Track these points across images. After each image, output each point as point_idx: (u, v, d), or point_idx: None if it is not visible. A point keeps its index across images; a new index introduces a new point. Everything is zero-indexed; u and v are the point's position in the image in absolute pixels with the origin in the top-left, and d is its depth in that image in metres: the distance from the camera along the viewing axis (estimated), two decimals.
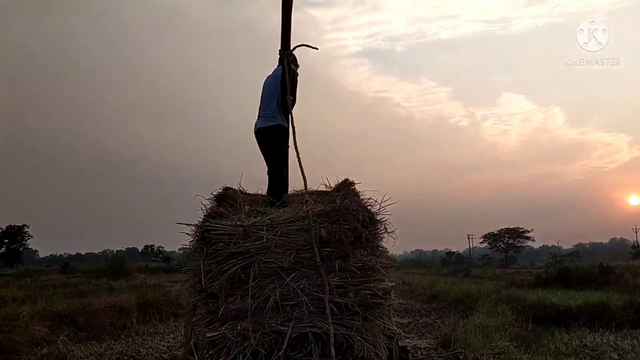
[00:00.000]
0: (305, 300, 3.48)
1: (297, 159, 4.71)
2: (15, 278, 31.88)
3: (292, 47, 5.08)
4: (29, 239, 61.27)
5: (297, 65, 5.59)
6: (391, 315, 3.92)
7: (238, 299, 3.50)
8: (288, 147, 5.18)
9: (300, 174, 4.74)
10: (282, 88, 5.13)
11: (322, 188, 5.59)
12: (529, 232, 73.52)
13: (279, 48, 5.03)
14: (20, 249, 61.17)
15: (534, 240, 76.75)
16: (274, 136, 5.22)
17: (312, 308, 3.49)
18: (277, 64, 5.38)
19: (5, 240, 59.53)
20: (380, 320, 3.64)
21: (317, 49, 5.50)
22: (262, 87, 5.56)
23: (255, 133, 5.37)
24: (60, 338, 7.89)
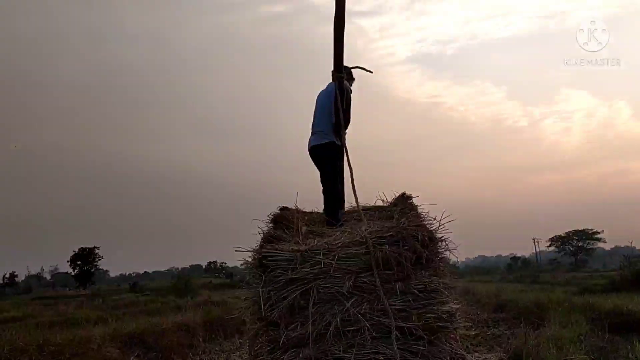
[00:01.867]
0: (367, 325, 3.39)
1: (350, 177, 4.68)
2: (89, 299, 33.33)
3: (345, 68, 5.03)
4: (99, 260, 63.77)
5: (352, 79, 5.55)
6: (458, 338, 3.77)
7: (299, 326, 3.46)
8: (342, 164, 5.13)
9: (353, 193, 4.70)
10: (335, 110, 5.09)
11: (379, 202, 5.51)
12: (599, 233, 70.11)
13: (332, 69, 5.00)
14: (92, 270, 63.69)
15: (605, 242, 73.15)
16: (327, 154, 5.18)
17: (374, 334, 3.39)
18: (331, 79, 5.35)
19: (78, 262, 62.17)
20: (447, 344, 3.50)
21: (372, 72, 5.42)
22: (315, 102, 5.54)
23: (310, 150, 5.35)
24: (131, 359, 8.11)
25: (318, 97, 5.53)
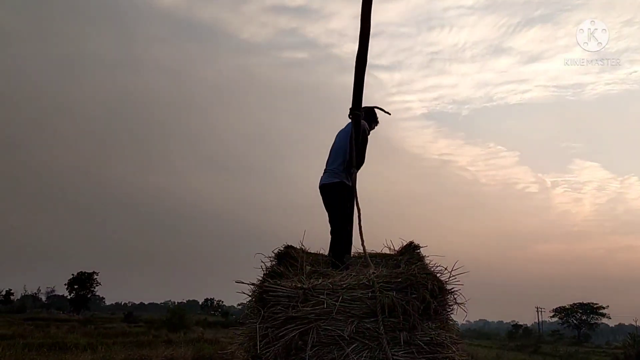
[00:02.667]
0: None
1: (357, 218, 4.58)
2: (81, 324, 32.86)
3: (364, 108, 4.99)
4: (97, 286, 63.22)
5: (375, 122, 5.52)
6: None
7: None
8: (352, 206, 5.03)
9: (359, 235, 4.58)
10: (349, 147, 5.04)
11: (386, 250, 5.36)
12: (604, 308, 68.84)
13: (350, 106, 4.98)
14: (89, 296, 63.09)
15: (609, 318, 71.65)
16: (336, 194, 5.10)
17: None
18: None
19: (76, 286, 61.67)
20: None
21: (390, 114, 5.43)
22: (333, 141, 5.50)
23: (320, 188, 5.28)
24: None
25: (337, 135, 5.48)
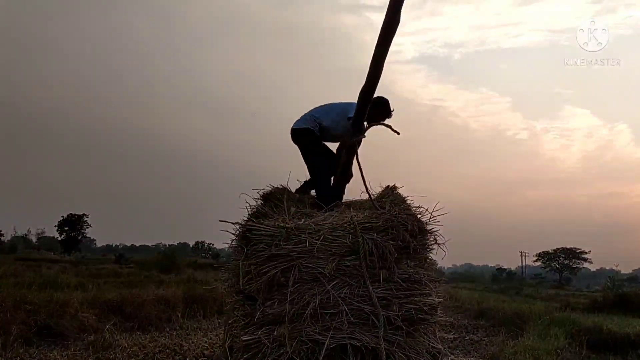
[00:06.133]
0: (345, 310, 3.32)
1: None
2: (72, 265, 33.21)
3: (368, 125, 4.46)
4: (87, 227, 63.55)
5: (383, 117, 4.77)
6: (437, 332, 3.71)
7: (276, 304, 3.39)
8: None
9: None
10: (342, 166, 4.78)
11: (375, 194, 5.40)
12: (586, 253, 70.53)
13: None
14: (79, 237, 63.51)
15: (591, 262, 73.59)
16: (300, 141, 5.03)
17: (352, 319, 3.34)
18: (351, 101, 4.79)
19: (66, 228, 61.94)
20: (425, 337, 3.45)
21: (399, 133, 4.82)
22: (328, 105, 5.20)
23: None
24: (107, 327, 8.04)
25: (334, 105, 5.16)
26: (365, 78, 3.66)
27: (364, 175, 4.35)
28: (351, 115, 4.49)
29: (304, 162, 5.09)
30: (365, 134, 4.42)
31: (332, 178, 5.03)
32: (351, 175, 4.97)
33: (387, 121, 4.59)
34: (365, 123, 4.25)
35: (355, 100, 4.12)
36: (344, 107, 4.95)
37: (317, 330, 3.33)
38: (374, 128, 4.40)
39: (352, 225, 3.54)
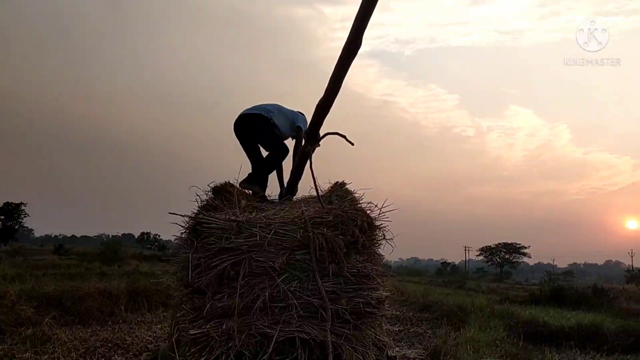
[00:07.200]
0: (295, 303, 3.35)
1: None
2: (9, 255, 31.82)
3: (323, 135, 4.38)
4: (25, 217, 60.96)
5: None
6: (383, 325, 3.79)
7: (225, 297, 3.37)
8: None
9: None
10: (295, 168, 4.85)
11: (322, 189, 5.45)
12: (525, 248, 73.33)
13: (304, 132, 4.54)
14: (16, 227, 60.87)
15: (529, 257, 76.50)
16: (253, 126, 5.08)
17: (301, 312, 3.37)
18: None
19: (1, 217, 59.26)
20: (372, 330, 3.52)
21: (353, 144, 4.41)
22: (277, 106, 5.27)
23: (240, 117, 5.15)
24: (46, 320, 7.76)
25: (279, 108, 5.26)
26: (324, 92, 3.68)
27: (315, 177, 4.37)
28: (298, 124, 4.70)
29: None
30: (320, 143, 4.42)
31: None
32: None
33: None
34: (319, 133, 4.26)
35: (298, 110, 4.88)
36: (293, 114, 5.16)
37: (266, 324, 3.34)
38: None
39: (302, 220, 3.57)
